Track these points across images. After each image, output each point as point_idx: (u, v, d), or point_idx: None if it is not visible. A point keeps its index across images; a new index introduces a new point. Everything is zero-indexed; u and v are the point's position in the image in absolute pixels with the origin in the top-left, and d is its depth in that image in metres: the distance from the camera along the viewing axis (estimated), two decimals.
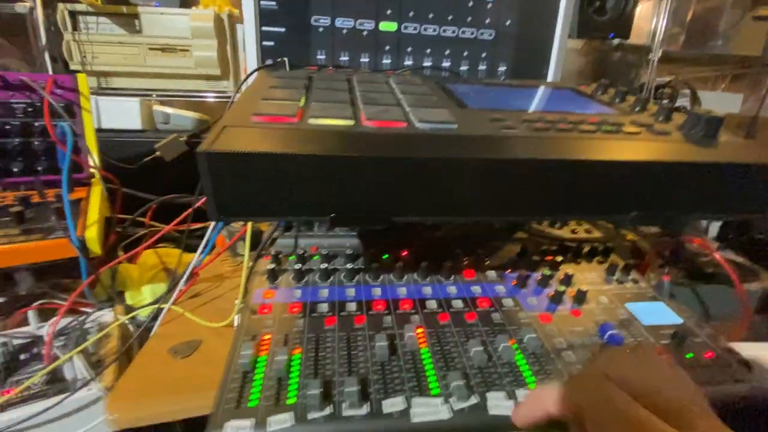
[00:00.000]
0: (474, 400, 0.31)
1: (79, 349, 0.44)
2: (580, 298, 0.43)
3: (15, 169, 0.56)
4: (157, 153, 0.79)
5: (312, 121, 0.29)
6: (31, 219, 0.50)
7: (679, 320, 0.42)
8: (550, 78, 0.64)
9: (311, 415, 0.28)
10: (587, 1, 1.16)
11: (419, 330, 0.36)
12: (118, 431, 0.41)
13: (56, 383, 0.44)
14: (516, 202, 0.28)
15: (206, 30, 0.95)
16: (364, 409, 0.29)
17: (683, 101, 1.33)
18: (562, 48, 0.63)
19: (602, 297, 0.45)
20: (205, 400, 0.34)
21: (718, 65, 1.56)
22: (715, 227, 0.92)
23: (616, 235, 0.56)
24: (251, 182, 0.24)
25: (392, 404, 0.30)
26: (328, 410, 0.29)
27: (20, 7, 0.97)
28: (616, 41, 1.17)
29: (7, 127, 0.57)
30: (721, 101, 1.46)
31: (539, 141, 0.29)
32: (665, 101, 1.28)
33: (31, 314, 0.52)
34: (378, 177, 0.26)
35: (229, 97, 1.01)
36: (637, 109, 0.42)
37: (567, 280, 0.45)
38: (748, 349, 0.39)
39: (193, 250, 0.72)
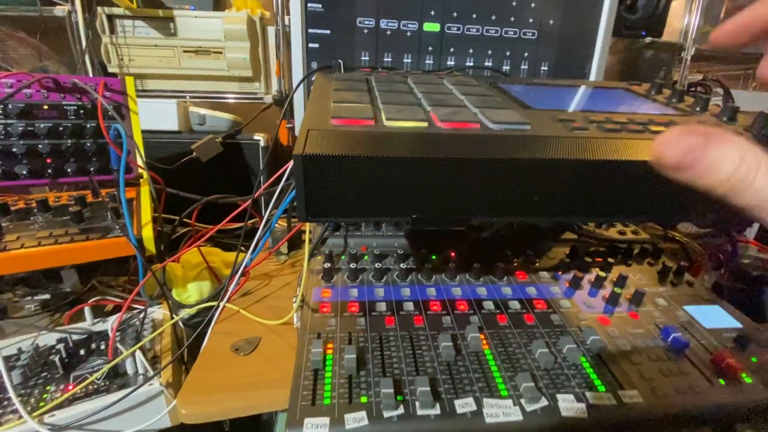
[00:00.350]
0: (545, 401, 0.31)
1: (140, 344, 0.45)
2: (638, 300, 0.42)
3: (69, 170, 0.58)
4: (194, 154, 0.81)
5: (388, 123, 0.29)
6: (89, 218, 0.52)
7: (738, 324, 0.41)
8: (592, 77, 0.63)
9: (386, 414, 0.29)
10: None
11: (481, 330, 0.36)
12: (175, 425, 0.42)
13: (117, 378, 0.45)
14: (596, 202, 0.28)
15: (239, 32, 0.96)
16: (437, 409, 0.29)
17: (715, 100, 1.29)
18: (605, 47, 0.62)
19: (659, 299, 0.44)
20: (273, 397, 0.34)
21: (749, 64, 1.53)
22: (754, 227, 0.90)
23: (664, 236, 0.55)
24: (340, 183, 0.25)
25: (464, 404, 0.30)
26: (401, 410, 0.29)
27: (59, 11, 1.00)
28: (648, 39, 1.15)
29: (61, 128, 0.58)
30: (753, 100, 1.42)
31: (614, 142, 0.29)
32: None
33: (87, 311, 0.54)
34: (458, 178, 0.26)
35: (260, 99, 1.03)
36: (698, 109, 0.41)
37: (621, 282, 0.45)
38: None
39: (229, 249, 0.73)
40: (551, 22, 0.61)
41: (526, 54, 0.62)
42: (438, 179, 0.26)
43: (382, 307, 0.39)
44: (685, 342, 0.37)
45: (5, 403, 0.41)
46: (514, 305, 0.41)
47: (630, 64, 1.21)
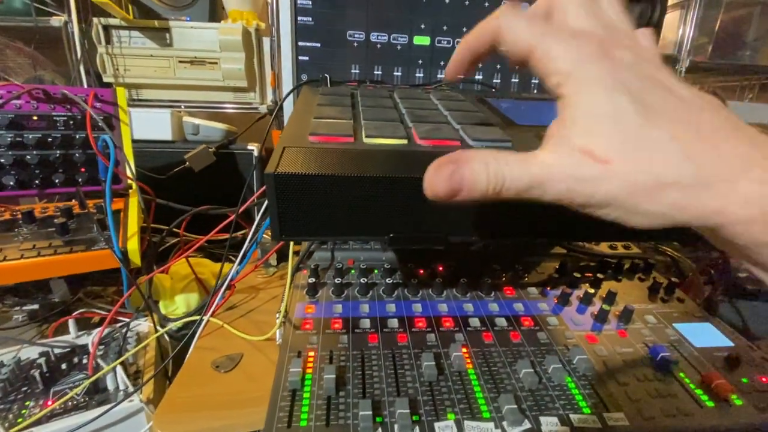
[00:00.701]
0: (527, 424, 0.30)
1: (121, 359, 0.45)
2: (627, 317, 0.42)
3: (57, 180, 0.58)
4: (187, 164, 0.81)
5: (367, 140, 0.29)
6: (74, 230, 0.51)
7: (729, 343, 0.41)
8: None
9: None
10: None
11: (464, 349, 0.36)
12: None
13: (97, 394, 0.44)
14: (575, 223, 0.28)
15: (234, 43, 0.97)
16: (416, 431, 0.29)
17: None
18: None
19: (648, 316, 0.43)
20: (250, 417, 0.34)
21: (745, 75, 1.53)
22: None
23: (656, 251, 0.55)
24: (315, 203, 0.24)
25: (445, 427, 0.29)
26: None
27: (56, 21, 1.00)
28: None
29: (50, 139, 0.58)
30: (750, 112, 1.42)
31: None
32: None
33: (71, 323, 0.53)
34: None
35: (255, 109, 1.03)
36: None
37: (610, 298, 0.44)
38: None
39: (219, 259, 0.73)
40: None
41: (517, 67, 0.62)
42: (415, 199, 0.26)
43: (366, 323, 0.39)
44: (673, 361, 0.36)
45: None
46: (501, 322, 0.40)
47: None
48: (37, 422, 0.40)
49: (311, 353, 0.35)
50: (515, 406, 0.30)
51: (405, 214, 0.26)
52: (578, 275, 0.48)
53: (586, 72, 0.18)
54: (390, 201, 0.25)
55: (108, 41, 0.96)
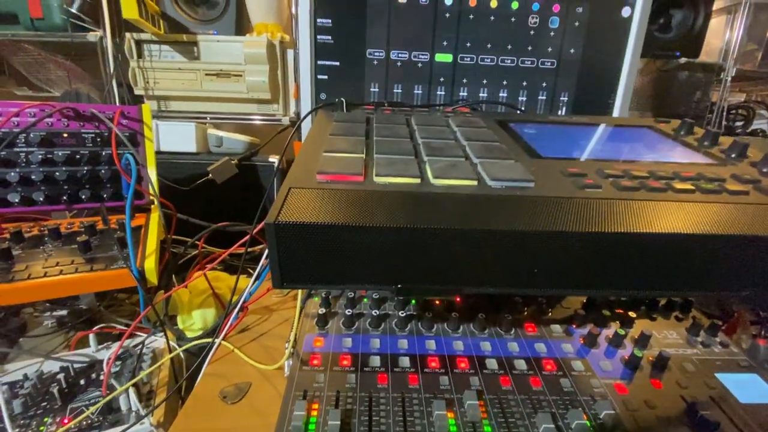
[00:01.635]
0: None
1: (133, 381, 0.45)
2: (662, 364, 0.38)
3: (83, 196, 0.59)
4: (210, 176, 0.82)
5: (377, 179, 0.27)
6: (96, 247, 0.53)
7: None
8: (616, 110, 0.59)
9: None
10: (650, 17, 1.09)
11: (480, 401, 0.33)
12: None
13: (111, 414, 0.45)
14: (604, 276, 0.25)
15: (259, 56, 0.98)
16: None
17: (761, 122, 1.21)
18: (632, 77, 0.58)
19: (687, 364, 0.40)
20: None
21: None
22: None
23: None
24: (317, 251, 0.23)
25: None
26: None
27: (92, 36, 1.05)
28: (682, 60, 1.09)
29: (78, 156, 0.60)
30: None
31: (629, 205, 0.26)
32: (739, 123, 1.17)
33: (91, 338, 0.54)
34: (448, 247, 0.24)
35: (278, 121, 1.04)
36: (732, 155, 0.37)
37: (644, 341, 0.41)
38: None
39: (236, 271, 0.73)
40: (572, 50, 0.58)
41: (544, 84, 0.59)
42: (425, 248, 0.24)
43: (376, 361, 0.37)
44: (715, 423, 0.33)
45: None
46: (520, 365, 0.38)
47: (662, 85, 1.14)
48: None
49: (318, 393, 0.33)
50: None
51: (415, 263, 0.24)
52: (607, 313, 0.45)
53: None
54: (397, 251, 0.24)
55: (140, 55, 0.99)
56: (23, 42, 1.08)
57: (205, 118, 1.06)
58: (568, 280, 0.25)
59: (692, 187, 0.29)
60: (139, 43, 0.98)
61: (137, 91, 1.01)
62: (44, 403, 0.46)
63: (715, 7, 1.21)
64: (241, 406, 0.38)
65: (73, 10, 0.94)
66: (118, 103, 1.06)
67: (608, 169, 0.31)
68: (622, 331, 0.41)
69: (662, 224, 0.24)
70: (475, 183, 0.27)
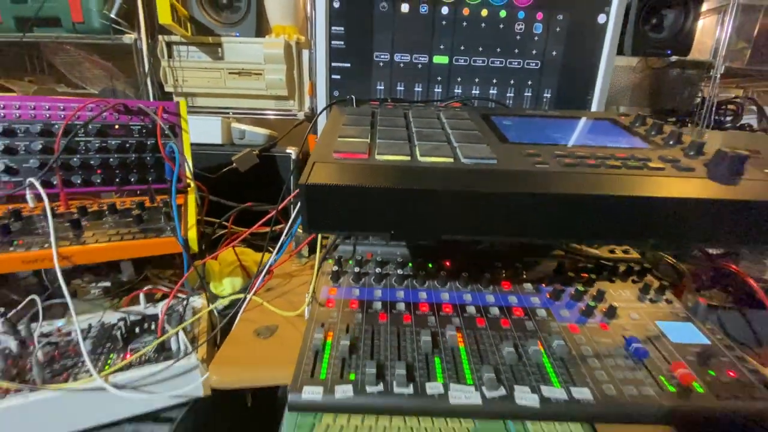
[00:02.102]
0: (503, 391, 0.36)
1: (183, 325, 0.55)
2: (611, 313, 0.47)
3: (132, 179, 0.70)
4: (234, 165, 0.92)
5: (378, 157, 0.36)
6: (146, 220, 0.63)
7: (706, 341, 0.45)
8: (594, 105, 0.68)
9: (369, 389, 0.36)
10: (643, 18, 1.16)
11: (459, 333, 0.43)
12: (207, 396, 0.51)
13: (164, 351, 0.55)
14: (544, 227, 0.34)
15: (277, 56, 1.08)
16: (411, 389, 0.36)
17: (750, 118, 1.26)
18: (608, 76, 0.66)
19: (633, 314, 0.48)
20: (281, 372, 0.42)
21: None
22: None
23: (654, 256, 0.58)
24: (335, 205, 0.32)
25: (433, 387, 0.36)
26: (381, 387, 0.36)
27: (128, 39, 1.15)
28: (674, 58, 1.15)
29: (127, 145, 0.71)
30: None
31: (567, 176, 0.35)
32: (728, 118, 1.23)
33: (141, 296, 0.65)
34: (429, 203, 0.33)
35: (294, 116, 1.13)
36: (671, 142, 0.45)
37: (600, 296, 0.49)
38: None
39: (260, 250, 0.83)
40: (554, 53, 0.66)
41: (529, 82, 0.67)
42: (413, 204, 0.33)
43: (378, 306, 0.47)
44: (644, 352, 0.41)
45: (80, 365, 0.52)
46: (494, 311, 0.47)
47: (656, 82, 1.21)
48: (119, 370, 0.51)
49: (331, 325, 0.43)
50: (494, 376, 0.37)
51: (404, 216, 0.34)
52: (573, 275, 0.53)
53: None
54: (392, 205, 0.33)
55: (170, 56, 1.10)
56: (65, 43, 1.20)
57: (228, 112, 1.16)
58: (517, 229, 0.34)
59: (620, 164, 0.37)
60: (169, 45, 1.09)
61: (167, 88, 1.12)
62: (108, 344, 0.57)
63: (706, 7, 1.27)
64: (271, 340, 0.48)
65: (112, 15, 1.05)
66: (152, 99, 1.17)
67: (558, 151, 0.40)
68: (582, 288, 0.50)
69: (586, 189, 0.33)
70: (451, 160, 0.36)
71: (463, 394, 0.36)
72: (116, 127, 0.71)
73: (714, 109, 1.19)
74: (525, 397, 0.36)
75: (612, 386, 0.38)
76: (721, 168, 0.37)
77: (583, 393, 0.37)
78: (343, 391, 0.35)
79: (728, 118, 1.20)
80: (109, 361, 0.54)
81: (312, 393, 0.35)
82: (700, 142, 0.42)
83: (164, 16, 0.93)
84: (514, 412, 0.36)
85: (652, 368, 0.40)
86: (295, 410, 0.36)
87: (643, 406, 0.37)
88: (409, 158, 0.36)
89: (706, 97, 1.22)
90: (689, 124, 1.25)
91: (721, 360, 0.42)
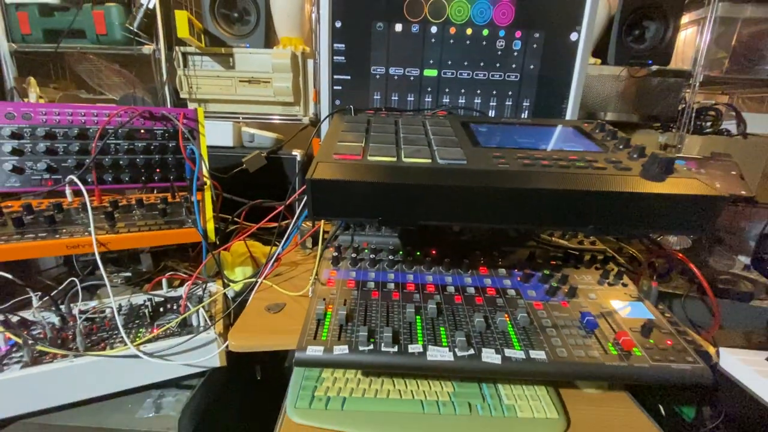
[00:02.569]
0: (471, 351, 0.44)
1: (203, 304, 0.63)
2: (572, 293, 0.55)
3: (156, 178, 0.78)
4: (243, 165, 1.01)
5: (370, 158, 0.44)
6: (170, 214, 0.71)
7: (652, 316, 0.52)
8: (568, 112, 0.75)
9: (361, 348, 0.44)
10: (626, 30, 1.24)
11: (438, 305, 0.50)
12: (223, 366, 0.59)
13: (186, 327, 0.63)
14: (503, 215, 0.42)
15: (284, 65, 1.16)
16: (395, 348, 0.44)
17: (729, 123, 1.34)
18: (580, 88, 0.74)
19: (591, 294, 0.56)
20: (289, 339, 0.50)
21: (764, 88, 1.54)
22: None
23: (620, 247, 0.66)
24: (334, 196, 0.41)
25: (414, 348, 0.44)
26: (371, 346, 0.44)
27: (147, 49, 1.25)
28: (655, 67, 1.23)
29: (152, 147, 0.79)
30: None
31: (522, 174, 0.43)
32: (708, 123, 1.30)
33: (164, 281, 0.73)
34: (410, 196, 0.41)
35: (299, 120, 1.22)
36: (620, 147, 0.53)
37: (563, 279, 0.57)
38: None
39: (267, 243, 0.91)
40: (532, 66, 0.74)
41: (510, 93, 0.75)
42: (397, 196, 0.41)
43: (371, 285, 0.54)
44: (595, 324, 0.49)
45: (114, 336, 0.60)
46: (470, 290, 0.54)
47: (639, 90, 1.28)
48: (149, 341, 0.60)
49: (331, 300, 0.51)
50: (465, 339, 0.45)
51: (390, 205, 0.42)
52: (542, 262, 0.61)
53: None
54: (380, 197, 0.41)
55: (185, 65, 1.19)
56: (88, 53, 1.29)
57: (238, 117, 1.25)
58: (481, 216, 0.42)
59: (569, 165, 0.45)
60: (185, 55, 1.18)
61: (182, 95, 1.21)
62: (137, 321, 0.65)
63: (687, 19, 1.34)
64: (280, 315, 0.56)
65: (134, 28, 1.14)
66: (168, 105, 1.26)
67: (520, 154, 0.48)
68: (547, 272, 0.58)
69: (536, 184, 0.41)
70: (429, 161, 0.44)
71: (439, 353, 0.44)
72: (142, 131, 0.79)
73: (694, 115, 1.26)
74: (490, 356, 0.44)
75: (564, 350, 0.46)
76: (653, 168, 0.45)
77: (539, 354, 0.45)
78: (341, 350, 0.43)
79: (708, 124, 1.27)
80: (138, 334, 0.62)
81: (314, 351, 0.43)
82: (642, 146, 0.50)
83: (182, 31, 1.02)
84: (480, 368, 0.43)
85: (601, 337, 0.48)
86: (300, 365, 0.44)
87: (588, 365, 0.44)
88: (395, 159, 0.44)
89: (687, 104, 1.30)
90: (672, 129, 1.32)
91: (662, 332, 0.50)
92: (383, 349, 0.44)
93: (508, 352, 0.45)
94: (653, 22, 1.23)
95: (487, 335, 0.47)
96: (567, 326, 0.49)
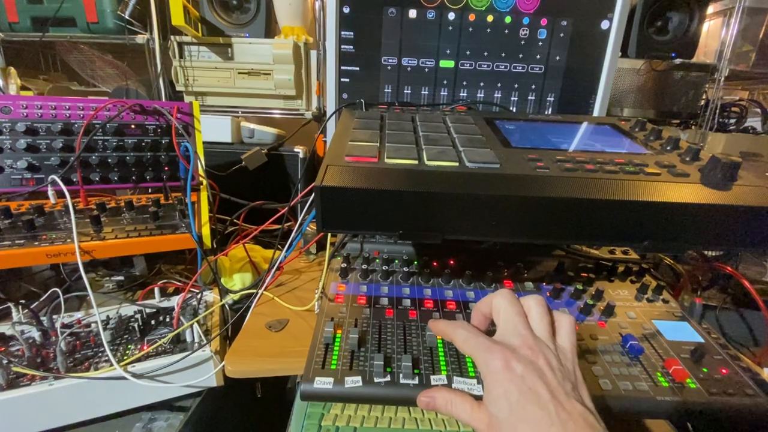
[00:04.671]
0: None
1: (197, 318, 0.58)
2: (609, 311, 0.49)
3: (147, 177, 0.72)
4: (243, 163, 0.95)
5: (387, 160, 0.38)
6: (162, 217, 0.65)
7: (700, 339, 0.46)
8: (596, 109, 0.69)
9: (376, 379, 0.38)
10: (648, 20, 1.17)
11: None
12: (220, 386, 0.54)
13: (179, 344, 0.58)
14: (544, 229, 0.36)
15: (285, 57, 1.10)
16: (416, 380, 0.38)
17: (754, 120, 1.27)
18: (610, 81, 0.68)
19: (631, 312, 0.50)
20: (293, 364, 0.45)
21: None
22: None
23: (654, 258, 0.60)
24: (347, 206, 0.34)
25: (438, 379, 0.39)
26: (388, 377, 0.38)
27: (140, 39, 1.18)
28: (678, 61, 1.16)
29: (143, 144, 0.73)
30: None
31: (567, 181, 0.37)
32: (732, 120, 1.24)
33: (156, 290, 0.67)
34: (434, 205, 0.35)
35: (301, 115, 1.16)
36: (668, 148, 0.47)
37: (598, 295, 0.51)
38: None
39: (269, 247, 0.85)
40: (558, 58, 0.68)
41: (533, 87, 0.69)
42: (419, 206, 0.35)
43: (384, 301, 0.49)
44: (640, 349, 0.43)
45: (100, 354, 0.55)
46: None
47: (660, 84, 1.22)
48: (138, 360, 0.54)
49: (341, 319, 0.45)
50: None
51: (412, 217, 0.36)
52: (573, 274, 0.55)
53: (489, 381, 0.29)
54: (400, 207, 0.35)
55: (181, 56, 1.12)
56: (79, 43, 1.22)
57: (237, 111, 1.18)
58: (518, 231, 0.36)
59: (617, 170, 0.39)
60: (181, 45, 1.11)
61: (178, 87, 1.14)
62: (126, 336, 0.59)
63: (712, 10, 1.27)
64: (282, 333, 0.50)
65: (126, 16, 1.07)
66: (163, 98, 1.19)
67: (559, 156, 0.41)
68: (581, 287, 0.52)
69: (585, 193, 0.35)
70: (456, 164, 0.38)
71: (467, 387, 0.38)
72: (132, 126, 0.73)
73: (718, 111, 1.20)
74: None
75: (608, 381, 0.40)
76: (715, 174, 0.39)
77: None
78: (353, 382, 0.38)
79: (732, 121, 1.21)
80: (127, 352, 0.56)
81: (323, 383, 0.37)
82: (696, 148, 0.44)
83: (177, 18, 0.95)
84: None
85: (647, 365, 0.42)
86: (307, 399, 0.38)
87: (638, 401, 0.39)
88: (416, 162, 0.38)
89: (710, 100, 1.23)
90: (693, 126, 1.25)
91: (715, 358, 0.44)
92: (402, 381, 0.38)
93: None
94: (677, 12, 1.16)
95: None
96: (608, 351, 0.44)
